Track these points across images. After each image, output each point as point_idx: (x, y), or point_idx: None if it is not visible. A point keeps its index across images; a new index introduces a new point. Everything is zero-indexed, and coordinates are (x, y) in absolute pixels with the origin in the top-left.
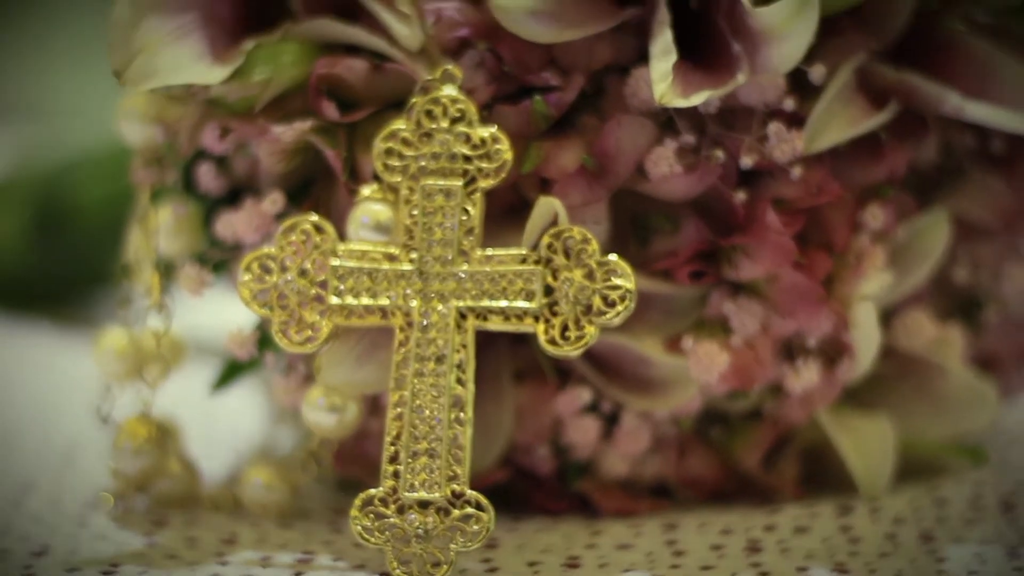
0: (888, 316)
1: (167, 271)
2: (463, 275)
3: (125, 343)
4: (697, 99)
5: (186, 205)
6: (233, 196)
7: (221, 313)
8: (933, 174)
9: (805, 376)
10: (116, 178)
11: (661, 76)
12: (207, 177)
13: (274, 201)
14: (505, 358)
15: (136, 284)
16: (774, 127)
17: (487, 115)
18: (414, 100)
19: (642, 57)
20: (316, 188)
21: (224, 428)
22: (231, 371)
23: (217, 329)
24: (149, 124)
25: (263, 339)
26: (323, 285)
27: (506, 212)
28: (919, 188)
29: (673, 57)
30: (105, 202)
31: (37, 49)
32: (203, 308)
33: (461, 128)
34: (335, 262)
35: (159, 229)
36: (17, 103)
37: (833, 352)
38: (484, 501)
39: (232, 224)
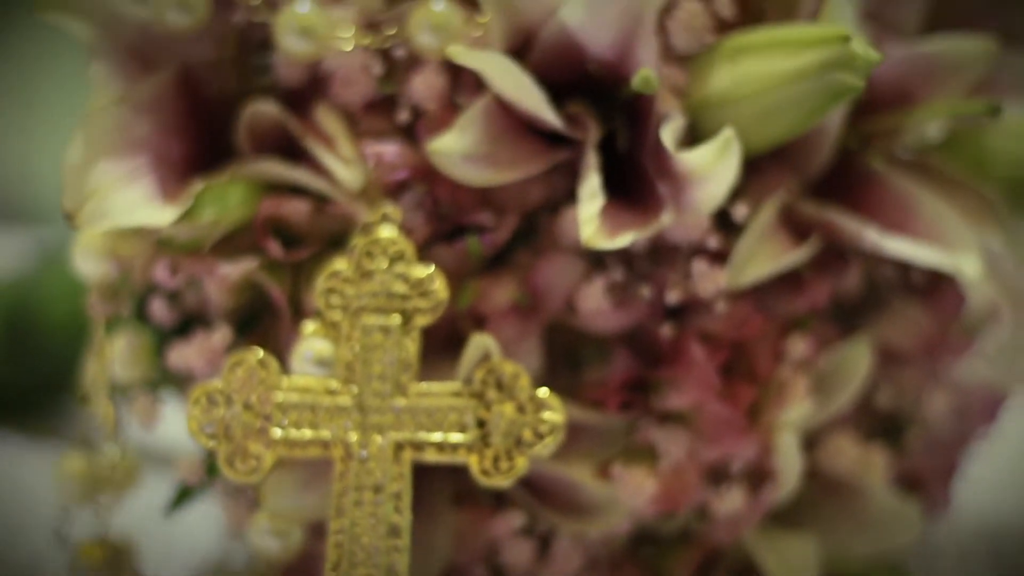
0: (812, 439)
1: (123, 394)
2: (400, 409)
3: (83, 469)
4: (622, 241)
5: (140, 335)
6: (185, 326)
7: (179, 424)
8: (855, 303)
9: (729, 500)
10: (84, 291)
11: (588, 219)
12: (159, 310)
13: (223, 335)
14: (443, 482)
15: (93, 410)
16: (698, 265)
17: (424, 254)
18: (355, 241)
19: (573, 195)
20: (263, 321)
21: (180, 543)
22: (184, 494)
23: (175, 439)
24: (104, 260)
25: (212, 465)
26: (267, 418)
27: (444, 344)
28: (842, 317)
29: (600, 201)
30: (74, 313)
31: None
32: (162, 419)
33: (399, 268)
34: (279, 396)
35: (114, 357)
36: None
37: (757, 476)
38: None
39: (183, 356)
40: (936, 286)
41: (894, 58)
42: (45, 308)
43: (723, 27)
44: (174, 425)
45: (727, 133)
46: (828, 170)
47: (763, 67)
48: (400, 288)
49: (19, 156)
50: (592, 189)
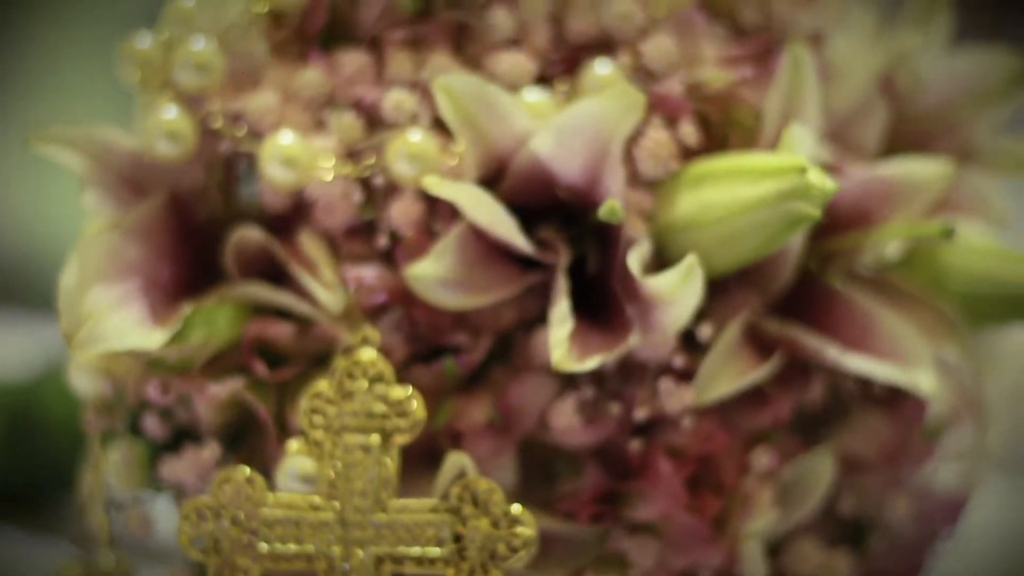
0: (777, 546)
1: (117, 507)
2: (380, 524)
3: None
4: (591, 364)
5: (134, 448)
6: (177, 440)
7: (173, 522)
8: (818, 414)
9: None
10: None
11: (558, 343)
12: (152, 425)
13: (212, 451)
14: None
15: (90, 520)
16: (665, 383)
17: (403, 374)
18: (337, 363)
19: (545, 316)
20: (250, 438)
21: None
22: None
23: (170, 538)
24: (98, 378)
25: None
26: (254, 533)
27: (422, 461)
28: (805, 428)
29: (569, 325)
30: (76, 414)
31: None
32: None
33: (379, 389)
34: (265, 512)
35: (110, 469)
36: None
37: None
38: None
39: (174, 470)
40: (897, 397)
41: (854, 180)
42: (48, 407)
43: (688, 154)
44: (170, 523)
45: (690, 259)
46: (790, 289)
47: (724, 195)
48: (380, 408)
49: (31, 240)
50: (562, 313)
